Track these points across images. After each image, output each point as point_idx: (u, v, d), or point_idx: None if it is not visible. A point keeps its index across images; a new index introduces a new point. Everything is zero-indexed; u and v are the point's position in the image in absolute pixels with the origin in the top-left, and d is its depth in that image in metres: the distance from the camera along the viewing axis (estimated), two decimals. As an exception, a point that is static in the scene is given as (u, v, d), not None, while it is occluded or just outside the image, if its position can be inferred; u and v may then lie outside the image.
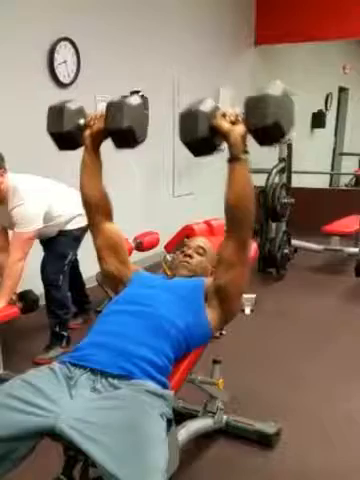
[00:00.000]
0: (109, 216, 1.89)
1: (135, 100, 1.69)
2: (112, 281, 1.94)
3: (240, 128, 1.58)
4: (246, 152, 1.61)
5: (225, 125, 1.59)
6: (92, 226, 1.90)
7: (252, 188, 1.64)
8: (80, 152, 4.23)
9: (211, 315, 1.78)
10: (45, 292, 3.14)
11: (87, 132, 1.78)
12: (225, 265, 1.72)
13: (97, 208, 1.85)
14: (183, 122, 1.61)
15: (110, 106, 1.68)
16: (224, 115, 1.61)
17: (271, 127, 1.49)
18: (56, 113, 1.75)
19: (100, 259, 1.91)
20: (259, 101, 1.52)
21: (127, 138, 1.70)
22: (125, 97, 1.69)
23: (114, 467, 1.27)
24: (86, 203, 1.86)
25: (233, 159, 1.61)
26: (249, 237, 1.70)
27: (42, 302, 3.24)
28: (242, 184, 1.62)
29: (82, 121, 1.76)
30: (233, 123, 1.59)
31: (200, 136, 1.58)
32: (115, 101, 1.68)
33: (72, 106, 1.75)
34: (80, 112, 1.77)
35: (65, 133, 1.74)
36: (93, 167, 1.83)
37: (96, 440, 1.31)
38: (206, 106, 1.58)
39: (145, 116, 1.74)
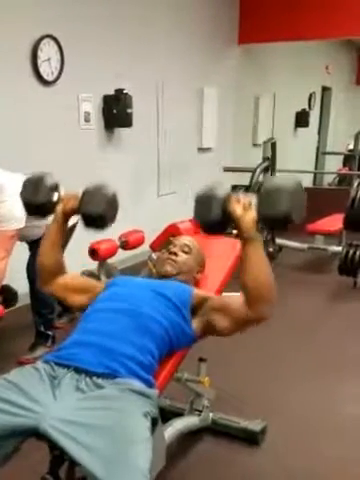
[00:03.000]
0: (62, 273, 1.94)
1: (110, 190, 1.86)
2: (86, 308, 1.91)
3: (251, 213, 1.62)
4: (257, 235, 1.63)
5: (238, 211, 1.63)
6: (43, 284, 1.95)
7: (268, 268, 1.66)
8: (67, 151, 4.20)
9: (195, 326, 1.81)
10: (30, 292, 3.11)
11: (60, 207, 1.86)
12: (230, 317, 1.74)
13: (52, 274, 1.92)
14: (199, 204, 1.71)
15: (87, 192, 1.84)
16: (238, 201, 1.65)
17: (281, 219, 1.58)
18: (33, 184, 1.89)
19: (64, 301, 1.97)
20: (272, 192, 1.60)
21: (98, 222, 1.86)
22: (100, 187, 1.86)
23: (96, 468, 1.27)
24: (41, 269, 1.93)
25: (245, 241, 1.64)
26: (268, 315, 1.69)
27: (26, 301, 3.22)
28: (258, 265, 1.64)
29: (55, 197, 1.88)
30: (246, 209, 1.63)
31: (213, 219, 1.67)
32: (91, 189, 1.85)
33: (49, 180, 1.89)
34: (55, 187, 1.89)
35: (38, 204, 1.87)
36: (57, 238, 1.91)
37: (79, 441, 1.31)
38: (221, 191, 1.68)
39: (117, 205, 1.89)
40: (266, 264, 1.65)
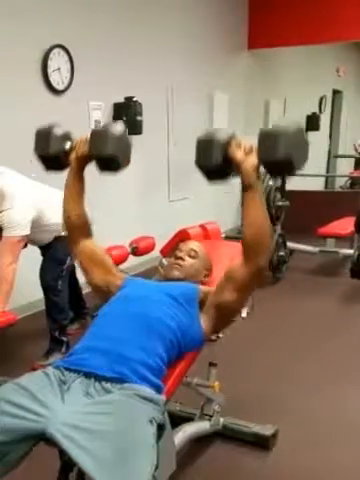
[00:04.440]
0: (89, 234, 1.96)
1: (118, 129, 1.76)
2: (101, 293, 1.96)
3: (252, 159, 1.61)
4: (258, 181, 1.63)
5: (238, 155, 1.62)
6: (72, 244, 1.97)
7: (266, 215, 1.67)
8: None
9: (205, 323, 1.82)
10: (45, 297, 3.14)
11: (73, 155, 1.86)
12: (234, 285, 1.76)
13: (77, 229, 1.94)
14: (199, 148, 1.67)
15: (94, 134, 1.77)
16: (239, 145, 1.64)
17: (282, 161, 1.54)
18: (43, 136, 1.84)
19: (85, 274, 1.97)
20: (271, 135, 1.55)
21: (110, 164, 1.79)
22: (108, 125, 1.78)
23: (97, 474, 1.28)
24: (67, 224, 1.96)
25: (245, 187, 1.65)
26: (265, 264, 1.73)
27: (41, 307, 3.25)
28: (256, 212, 1.66)
29: (68, 145, 1.85)
30: (247, 154, 1.62)
31: (214, 163, 1.63)
32: (98, 129, 1.79)
33: (59, 131, 1.84)
34: (66, 136, 1.86)
35: (51, 155, 1.83)
36: (76, 189, 1.91)
37: (83, 446, 1.32)
38: (222, 135, 1.63)
39: (128, 143, 1.82)
40: (263, 212, 1.67)
